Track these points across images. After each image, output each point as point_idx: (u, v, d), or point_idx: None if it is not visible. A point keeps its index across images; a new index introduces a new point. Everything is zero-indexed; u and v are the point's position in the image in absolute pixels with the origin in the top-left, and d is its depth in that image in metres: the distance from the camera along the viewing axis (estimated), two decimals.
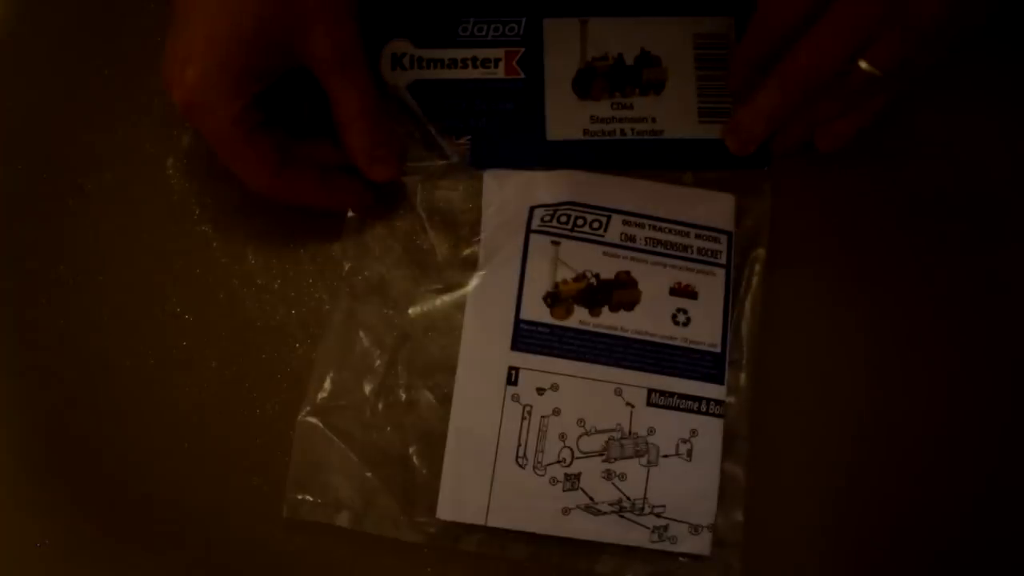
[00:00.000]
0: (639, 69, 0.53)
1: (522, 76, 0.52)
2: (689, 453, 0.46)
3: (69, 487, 0.46)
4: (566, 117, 0.52)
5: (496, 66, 0.53)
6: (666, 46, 0.53)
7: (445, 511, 0.45)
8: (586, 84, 0.53)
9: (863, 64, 0.45)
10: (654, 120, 0.52)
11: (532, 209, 0.49)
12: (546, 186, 0.49)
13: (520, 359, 0.46)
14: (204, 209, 0.50)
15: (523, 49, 0.53)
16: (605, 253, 0.48)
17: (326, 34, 0.44)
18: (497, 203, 0.49)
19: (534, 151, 0.51)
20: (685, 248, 0.48)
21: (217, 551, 0.46)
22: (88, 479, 0.46)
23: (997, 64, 0.52)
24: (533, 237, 0.48)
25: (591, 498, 0.45)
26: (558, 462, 0.45)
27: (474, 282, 0.48)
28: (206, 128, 0.44)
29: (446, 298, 0.48)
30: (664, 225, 0.48)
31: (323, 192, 0.48)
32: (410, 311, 0.48)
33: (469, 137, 0.51)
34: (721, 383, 0.47)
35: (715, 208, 0.49)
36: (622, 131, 0.52)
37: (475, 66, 0.52)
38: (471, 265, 0.48)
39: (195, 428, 0.47)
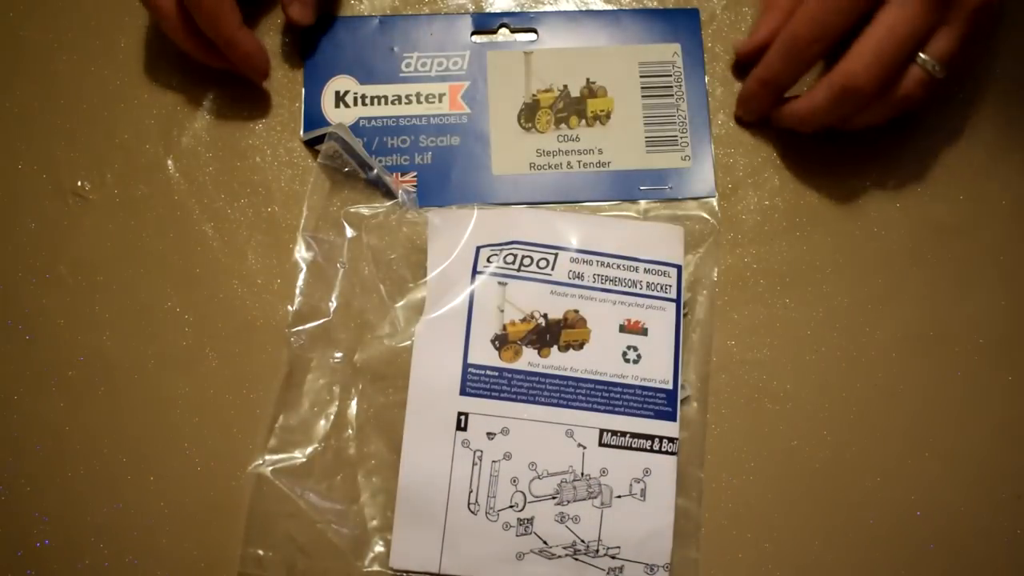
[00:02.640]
0: (584, 100, 0.51)
1: (467, 110, 0.50)
2: (643, 492, 0.44)
3: (69, 487, 0.45)
4: (512, 151, 0.50)
5: (441, 101, 0.50)
6: (611, 75, 0.51)
7: (398, 560, 0.43)
8: (531, 117, 0.51)
9: (924, 57, 0.44)
10: (601, 151, 0.50)
11: (478, 248, 0.47)
12: (491, 224, 0.47)
13: (469, 404, 0.44)
14: (204, 209, 0.49)
15: (467, 83, 0.51)
16: (553, 292, 0.46)
17: None
18: (442, 244, 0.47)
19: (481, 186, 0.49)
20: (634, 284, 0.46)
21: (217, 549, 0.45)
22: (88, 479, 0.45)
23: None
24: (479, 278, 0.46)
25: (545, 542, 0.43)
26: (510, 507, 0.44)
27: (421, 327, 0.46)
28: None
29: (394, 344, 0.46)
30: (612, 261, 0.46)
31: (243, 29, 0.47)
32: (357, 358, 0.46)
33: (415, 174, 0.49)
34: (674, 420, 0.45)
35: (664, 241, 0.47)
36: (568, 163, 0.50)
37: (419, 101, 0.50)
38: (418, 309, 0.46)
39: (195, 428, 0.46)
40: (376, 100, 0.50)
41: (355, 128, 0.50)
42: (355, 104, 0.50)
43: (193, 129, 0.50)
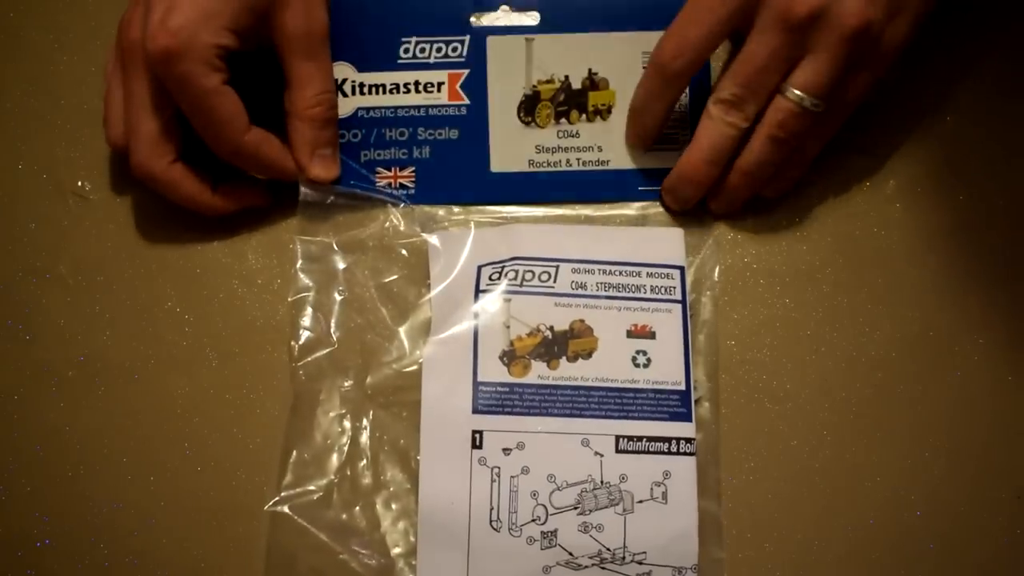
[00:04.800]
0: (586, 93, 0.47)
1: (466, 102, 0.47)
2: (664, 495, 0.41)
3: (69, 487, 0.43)
4: (511, 147, 0.46)
5: (439, 91, 0.47)
6: (614, 65, 0.47)
7: None
8: (531, 110, 0.47)
9: (789, 87, 0.42)
10: (600, 149, 0.47)
11: (479, 268, 0.44)
12: (491, 242, 0.44)
13: (483, 421, 0.42)
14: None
15: (467, 71, 0.47)
16: (557, 304, 0.43)
17: (303, 13, 0.42)
18: (443, 265, 0.44)
19: (479, 184, 0.46)
20: (638, 288, 0.44)
21: (217, 548, 0.43)
22: (88, 479, 0.43)
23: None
24: (483, 297, 0.44)
25: (570, 553, 0.41)
26: (533, 521, 0.41)
27: (428, 349, 0.43)
28: (183, 77, 0.40)
29: (401, 368, 0.44)
30: (614, 268, 0.44)
31: (286, 158, 0.44)
32: (368, 384, 0.44)
33: (413, 169, 0.46)
34: (689, 420, 0.42)
35: (665, 244, 0.45)
36: (568, 162, 0.47)
37: (418, 91, 0.47)
38: (423, 330, 0.44)
39: (195, 428, 0.43)
40: (374, 89, 0.46)
41: (353, 119, 0.46)
42: (353, 93, 0.46)
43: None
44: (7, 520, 0.43)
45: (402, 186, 0.46)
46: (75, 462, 0.43)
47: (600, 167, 0.47)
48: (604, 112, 0.48)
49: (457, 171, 0.47)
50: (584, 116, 0.47)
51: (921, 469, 0.45)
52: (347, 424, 0.44)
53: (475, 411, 0.42)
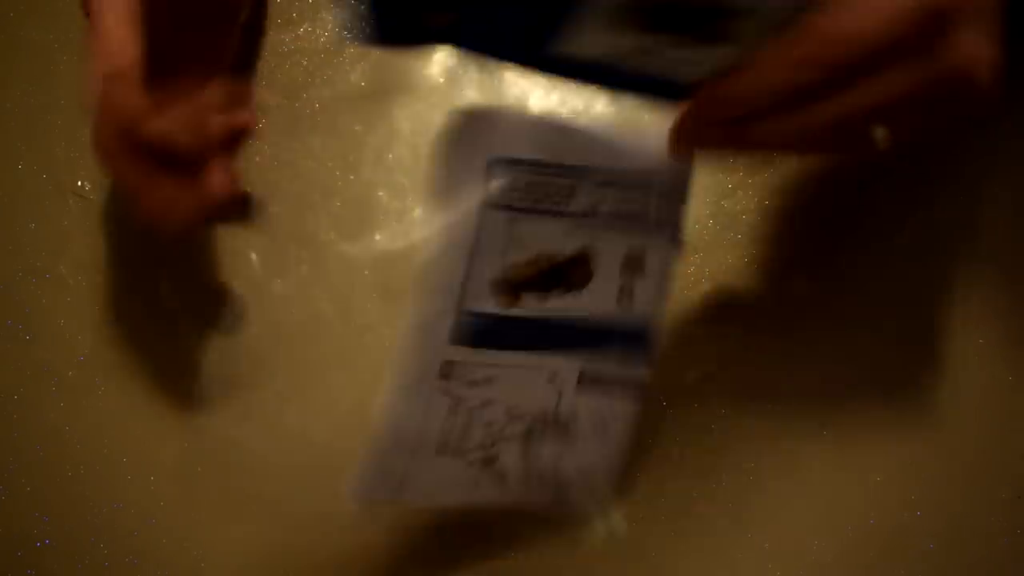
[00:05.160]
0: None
1: None
2: (605, 432, 0.41)
3: (69, 487, 0.43)
4: (592, 33, 0.33)
5: None
6: None
7: (356, 496, 0.40)
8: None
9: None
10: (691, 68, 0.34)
11: (490, 165, 0.36)
12: (512, 134, 0.37)
13: (457, 352, 0.38)
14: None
15: None
16: (565, 231, 0.38)
17: None
18: (453, 157, 0.37)
19: (534, 61, 0.35)
20: (644, 216, 0.38)
21: (218, 549, 0.43)
22: (88, 479, 0.43)
23: None
24: (488, 213, 0.37)
25: (504, 476, 0.40)
26: (478, 447, 0.40)
27: (418, 269, 0.38)
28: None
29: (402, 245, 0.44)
30: (629, 194, 0.38)
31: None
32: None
33: (456, 14, 0.32)
34: (648, 364, 0.40)
35: (677, 176, 0.40)
36: (650, 65, 0.34)
37: None
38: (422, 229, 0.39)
39: (195, 428, 0.43)
40: None
41: None
42: None
43: None
44: (7, 520, 0.43)
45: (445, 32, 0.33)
46: (75, 462, 0.44)
47: (678, 89, 0.35)
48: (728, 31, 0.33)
49: (514, 34, 0.34)
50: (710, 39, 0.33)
51: (921, 469, 0.44)
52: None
53: (451, 342, 0.39)
